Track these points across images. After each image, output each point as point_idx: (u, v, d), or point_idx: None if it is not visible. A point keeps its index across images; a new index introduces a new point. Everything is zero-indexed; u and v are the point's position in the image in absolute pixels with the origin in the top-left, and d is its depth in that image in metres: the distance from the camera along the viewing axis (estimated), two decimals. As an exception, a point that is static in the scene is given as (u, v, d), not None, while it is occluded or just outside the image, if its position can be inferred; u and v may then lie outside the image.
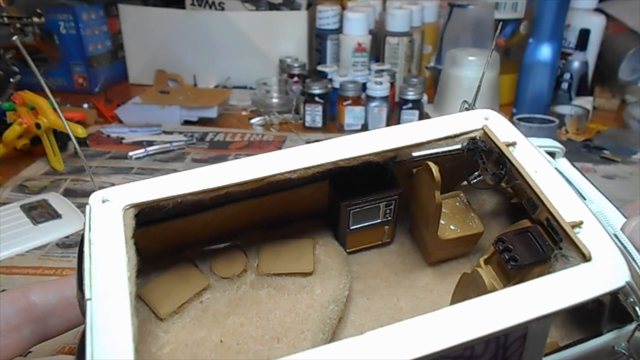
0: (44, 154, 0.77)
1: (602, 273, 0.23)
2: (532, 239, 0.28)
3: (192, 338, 0.29)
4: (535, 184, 0.27)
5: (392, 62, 1.03)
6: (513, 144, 0.29)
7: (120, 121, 0.96)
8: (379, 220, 0.34)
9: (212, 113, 0.98)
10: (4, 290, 0.30)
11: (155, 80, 1.14)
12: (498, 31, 0.35)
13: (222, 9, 1.16)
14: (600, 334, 0.26)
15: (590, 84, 1.06)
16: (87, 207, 0.25)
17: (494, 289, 0.28)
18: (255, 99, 1.05)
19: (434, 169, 0.31)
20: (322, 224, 0.35)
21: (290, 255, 0.32)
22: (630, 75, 1.06)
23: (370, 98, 0.91)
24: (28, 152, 0.80)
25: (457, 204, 0.35)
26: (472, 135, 0.30)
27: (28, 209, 0.63)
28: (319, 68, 1.02)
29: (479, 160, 0.32)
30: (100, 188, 0.26)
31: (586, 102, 0.99)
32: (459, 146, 0.32)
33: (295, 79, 1.04)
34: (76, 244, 0.61)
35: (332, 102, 0.95)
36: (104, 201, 0.25)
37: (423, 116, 0.92)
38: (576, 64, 1.01)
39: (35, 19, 0.96)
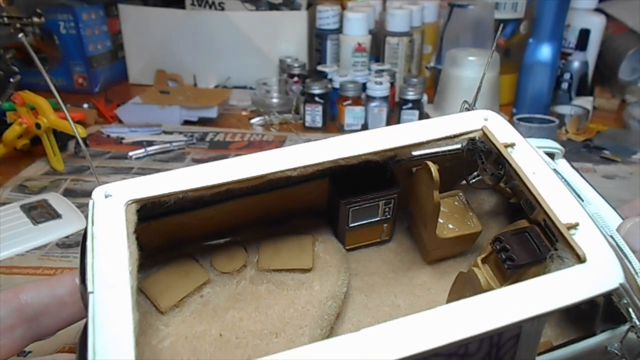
0: (44, 154, 0.77)
1: (596, 275, 0.23)
2: (529, 240, 0.28)
3: (192, 331, 0.29)
4: (532, 186, 0.27)
5: (392, 62, 1.03)
6: (512, 145, 0.29)
7: (120, 121, 0.96)
8: (377, 219, 0.35)
9: (212, 113, 0.98)
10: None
11: (155, 80, 1.14)
12: (499, 32, 0.35)
13: (222, 9, 1.16)
14: (593, 334, 0.27)
15: (590, 84, 1.06)
16: (90, 201, 0.25)
17: (489, 288, 0.28)
18: (255, 99, 1.05)
19: (433, 168, 0.31)
20: (322, 221, 0.36)
21: (289, 252, 0.33)
22: (630, 75, 1.06)
23: (370, 98, 0.91)
24: (28, 152, 0.80)
25: (456, 203, 0.35)
26: (471, 135, 0.30)
27: (28, 209, 0.63)
28: (319, 68, 1.02)
29: (478, 160, 0.32)
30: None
31: (586, 102, 0.99)
32: (458, 146, 0.32)
33: (295, 79, 1.04)
34: (76, 244, 0.61)
35: (332, 102, 0.95)
36: (106, 196, 0.26)
37: (423, 116, 0.92)
38: (576, 64, 1.01)
39: (35, 19, 0.96)
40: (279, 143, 0.89)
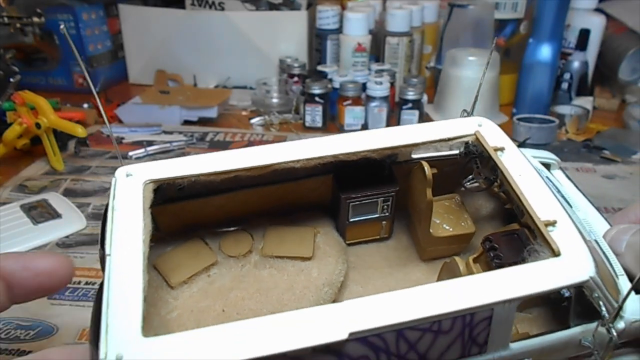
0: (44, 154, 0.77)
1: (567, 267, 0.25)
2: (518, 241, 0.30)
3: (198, 306, 0.31)
4: (516, 185, 0.29)
5: (392, 62, 1.03)
6: (501, 149, 0.31)
7: (120, 121, 0.96)
8: (376, 215, 0.36)
9: (212, 113, 0.98)
10: None
11: (155, 80, 1.14)
12: (493, 44, 0.38)
13: (222, 9, 1.16)
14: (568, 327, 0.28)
15: (590, 84, 1.06)
16: (113, 179, 0.29)
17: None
18: (255, 99, 1.05)
19: (427, 167, 0.33)
20: (325, 216, 0.38)
21: (292, 241, 0.35)
22: (630, 75, 1.06)
23: (370, 98, 0.91)
24: (28, 152, 0.80)
25: (452, 205, 0.37)
26: (465, 139, 0.33)
27: (28, 209, 0.63)
28: (319, 68, 1.02)
29: (474, 165, 0.34)
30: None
31: (586, 102, 1.00)
32: (456, 151, 0.34)
33: (295, 79, 1.04)
34: (76, 244, 0.61)
35: (332, 102, 0.95)
36: (127, 175, 0.29)
37: (423, 116, 0.92)
38: (576, 64, 1.01)
39: (35, 19, 0.96)
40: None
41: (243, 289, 0.33)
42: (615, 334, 0.27)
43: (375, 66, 1.01)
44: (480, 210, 0.39)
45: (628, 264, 0.29)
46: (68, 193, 0.70)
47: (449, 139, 0.32)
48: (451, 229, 0.36)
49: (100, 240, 0.27)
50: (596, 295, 0.26)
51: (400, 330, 0.23)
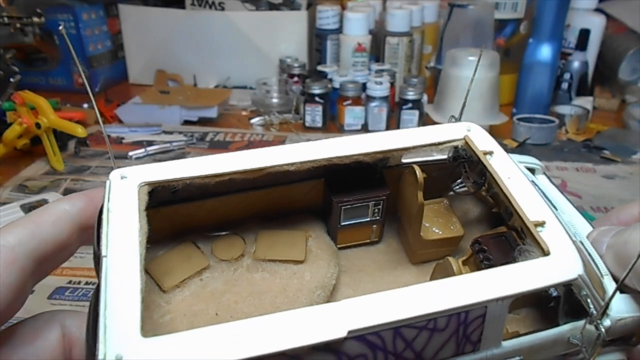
0: (44, 153, 0.77)
1: (557, 266, 0.26)
2: (506, 243, 0.31)
3: (191, 310, 0.31)
4: (506, 188, 0.30)
5: (392, 62, 1.03)
6: (490, 153, 0.32)
7: (120, 121, 0.96)
8: (367, 219, 0.37)
9: (212, 113, 0.98)
10: None
11: (155, 80, 1.14)
12: (478, 60, 0.40)
13: (222, 9, 1.16)
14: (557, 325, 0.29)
15: (590, 84, 1.06)
16: (108, 181, 0.29)
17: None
18: (255, 99, 1.05)
19: (418, 171, 0.34)
20: (316, 220, 0.38)
21: (284, 245, 0.35)
22: (630, 75, 1.06)
23: (370, 98, 0.91)
24: (28, 152, 0.80)
25: (441, 209, 0.38)
26: (454, 144, 0.33)
27: (28, 209, 0.63)
28: (319, 68, 1.02)
29: (462, 169, 0.35)
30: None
31: (586, 102, 1.00)
32: (445, 156, 0.35)
33: (295, 79, 1.04)
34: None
35: (332, 102, 0.95)
36: (122, 177, 0.29)
37: (423, 116, 0.92)
38: (576, 64, 1.01)
39: (35, 19, 0.96)
40: (279, 143, 0.89)
41: (236, 293, 0.33)
42: (603, 330, 0.27)
43: (375, 66, 1.01)
44: (467, 213, 0.40)
45: (608, 265, 0.30)
46: (68, 193, 0.70)
47: (440, 143, 0.33)
48: (441, 232, 0.37)
49: (95, 241, 0.27)
50: (584, 293, 0.27)
51: (397, 328, 0.24)
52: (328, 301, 0.34)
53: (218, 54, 1.14)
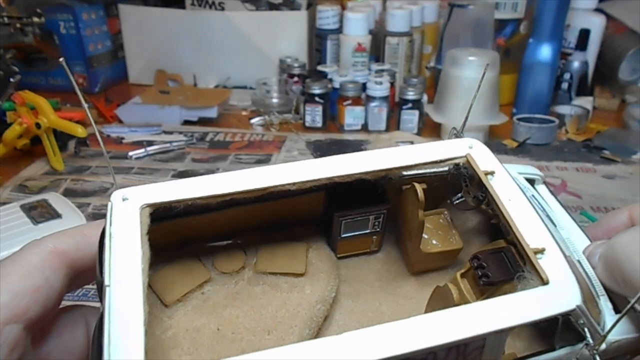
0: (44, 154, 0.77)
1: (556, 296, 0.26)
2: (505, 259, 0.31)
3: (193, 324, 0.31)
4: (506, 212, 0.30)
5: (392, 62, 1.03)
6: (492, 173, 0.32)
7: (120, 121, 0.96)
8: (368, 231, 0.37)
9: (212, 113, 0.98)
10: None
11: (155, 80, 1.14)
12: (482, 75, 0.38)
13: (222, 9, 1.16)
14: (554, 349, 0.29)
15: (590, 84, 1.06)
16: (109, 203, 0.28)
17: (461, 303, 0.31)
18: (255, 99, 1.05)
19: (419, 189, 0.34)
20: (316, 231, 0.38)
21: (285, 257, 0.35)
22: (630, 75, 1.06)
23: (370, 98, 0.91)
24: (28, 152, 0.80)
25: (441, 220, 0.38)
26: (456, 161, 0.33)
27: (28, 209, 0.63)
28: (319, 68, 1.02)
29: (463, 183, 0.35)
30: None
31: (586, 102, 1.00)
32: (445, 168, 0.35)
33: (295, 79, 1.04)
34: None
35: (332, 102, 0.95)
36: (124, 199, 0.28)
37: (423, 116, 0.92)
38: (576, 64, 1.01)
39: (35, 19, 0.96)
40: (279, 143, 0.89)
41: (237, 307, 0.33)
42: (598, 358, 0.28)
43: (375, 66, 1.01)
44: (466, 224, 0.40)
45: (599, 275, 0.30)
46: (68, 193, 0.70)
47: (441, 161, 0.33)
48: (440, 245, 0.37)
49: (98, 268, 0.27)
50: (581, 322, 0.27)
51: None
52: (327, 315, 0.34)
53: (218, 54, 1.14)
